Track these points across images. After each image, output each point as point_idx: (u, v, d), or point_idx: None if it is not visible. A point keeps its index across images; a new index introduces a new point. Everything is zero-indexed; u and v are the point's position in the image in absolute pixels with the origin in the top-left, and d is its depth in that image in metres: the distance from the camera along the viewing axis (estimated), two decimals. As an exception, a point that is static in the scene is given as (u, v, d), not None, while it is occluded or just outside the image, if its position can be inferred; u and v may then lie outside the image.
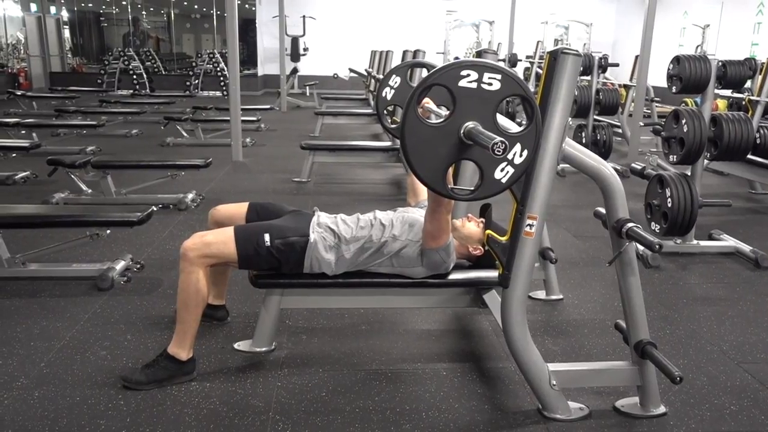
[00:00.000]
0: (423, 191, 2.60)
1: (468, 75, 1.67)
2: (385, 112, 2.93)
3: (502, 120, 2.23)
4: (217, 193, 5.14)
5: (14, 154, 6.02)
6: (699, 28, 12.99)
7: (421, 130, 1.70)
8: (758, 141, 4.64)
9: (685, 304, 3.12)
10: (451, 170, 2.19)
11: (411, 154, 1.71)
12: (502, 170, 1.73)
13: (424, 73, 3.55)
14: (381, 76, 7.99)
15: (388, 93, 2.87)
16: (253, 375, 2.29)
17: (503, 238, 1.97)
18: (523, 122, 1.76)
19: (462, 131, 1.69)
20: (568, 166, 2.13)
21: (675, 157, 3.67)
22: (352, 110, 9.38)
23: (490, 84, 1.69)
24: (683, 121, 3.58)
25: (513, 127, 1.83)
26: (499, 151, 1.56)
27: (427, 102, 2.42)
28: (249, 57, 16.45)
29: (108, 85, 14.07)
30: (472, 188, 1.78)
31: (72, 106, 9.37)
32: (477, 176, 1.76)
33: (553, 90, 1.84)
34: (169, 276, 3.21)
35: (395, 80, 2.86)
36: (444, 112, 2.52)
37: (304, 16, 15.69)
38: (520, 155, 1.74)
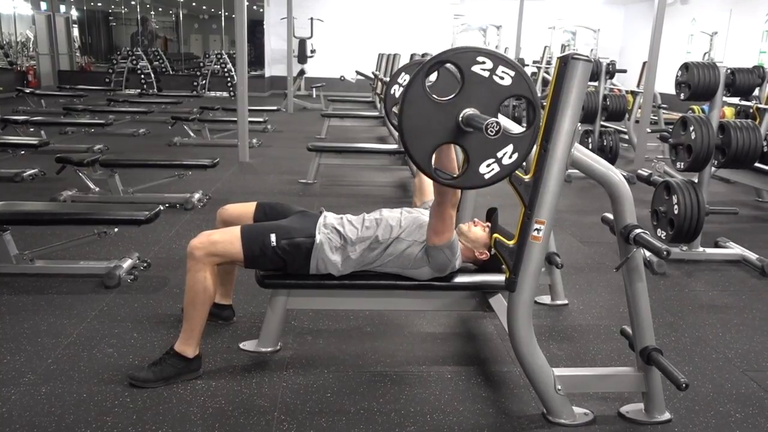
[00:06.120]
0: (429, 191, 2.60)
1: (483, 62, 1.65)
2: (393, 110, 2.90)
3: (503, 120, 2.22)
4: (223, 193, 5.16)
5: (23, 152, 6.06)
6: (707, 36, 12.97)
7: (422, 103, 1.66)
8: (766, 149, 4.63)
9: (691, 311, 3.12)
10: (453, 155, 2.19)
11: (405, 124, 1.67)
12: (488, 166, 1.71)
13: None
14: (388, 79, 8.00)
15: (396, 91, 2.84)
16: (259, 375, 2.30)
17: (511, 242, 1.97)
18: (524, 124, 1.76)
19: (462, 116, 1.67)
20: (574, 171, 2.13)
21: (682, 164, 3.67)
22: (358, 112, 9.40)
23: (502, 78, 1.67)
24: (691, 128, 3.57)
25: (514, 128, 1.81)
26: (492, 131, 1.55)
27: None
28: (256, 58, 16.49)
29: (116, 84, 14.16)
30: (455, 175, 1.77)
31: (80, 104, 9.44)
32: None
33: (562, 95, 1.84)
34: (175, 275, 3.22)
35: (405, 78, 2.83)
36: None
37: (312, 18, 15.76)
38: (510, 156, 1.72)
